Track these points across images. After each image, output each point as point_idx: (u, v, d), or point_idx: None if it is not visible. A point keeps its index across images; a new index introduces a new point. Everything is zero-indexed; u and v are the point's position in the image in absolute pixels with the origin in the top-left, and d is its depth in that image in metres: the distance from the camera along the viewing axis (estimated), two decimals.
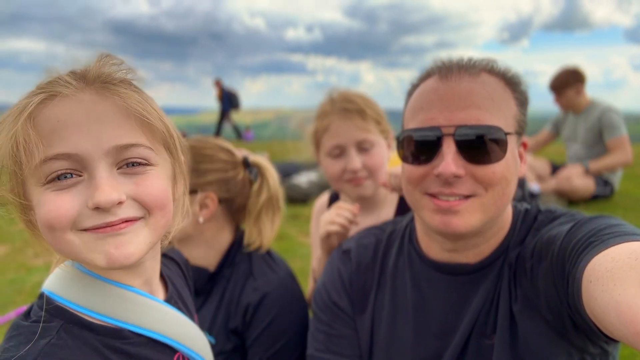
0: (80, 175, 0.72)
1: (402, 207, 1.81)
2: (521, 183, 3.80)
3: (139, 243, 0.76)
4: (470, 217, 1.02)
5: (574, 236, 0.94)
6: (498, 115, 1.02)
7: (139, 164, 0.76)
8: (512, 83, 1.08)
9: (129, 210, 0.74)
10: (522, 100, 1.09)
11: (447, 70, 1.06)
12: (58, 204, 0.70)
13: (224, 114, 13.96)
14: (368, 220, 1.75)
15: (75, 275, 0.82)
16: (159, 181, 0.78)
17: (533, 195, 4.32)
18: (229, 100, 13.64)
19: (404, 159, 1.11)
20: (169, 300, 0.94)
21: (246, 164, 1.60)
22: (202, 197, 1.49)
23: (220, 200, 1.53)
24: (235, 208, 1.58)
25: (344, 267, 1.34)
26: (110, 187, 0.71)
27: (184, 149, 0.88)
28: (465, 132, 1.00)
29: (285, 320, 1.47)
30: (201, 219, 1.49)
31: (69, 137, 0.70)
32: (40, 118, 0.71)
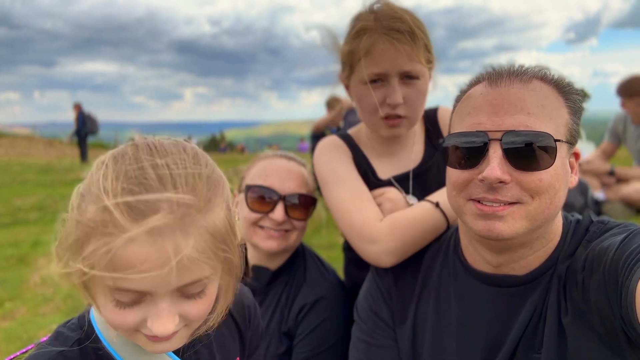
0: (143, 296, 0.75)
1: (432, 143, 1.61)
2: (584, 190, 3.60)
3: (176, 343, 0.84)
4: (514, 223, 0.98)
5: (627, 247, 0.90)
6: (548, 122, 0.99)
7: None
8: (565, 91, 1.04)
9: (176, 326, 0.78)
10: (575, 108, 1.05)
11: (497, 76, 1.04)
12: (121, 320, 0.76)
13: (80, 135, 14.76)
14: (401, 158, 1.58)
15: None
16: (210, 300, 0.82)
17: (597, 203, 4.07)
18: (83, 123, 14.51)
19: (449, 163, 1.09)
20: None
21: None
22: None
23: None
24: None
25: (381, 280, 1.35)
26: (168, 319, 0.75)
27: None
28: (512, 139, 0.97)
29: (333, 324, 1.53)
30: None
31: (141, 280, 0.70)
32: (119, 256, 0.69)
